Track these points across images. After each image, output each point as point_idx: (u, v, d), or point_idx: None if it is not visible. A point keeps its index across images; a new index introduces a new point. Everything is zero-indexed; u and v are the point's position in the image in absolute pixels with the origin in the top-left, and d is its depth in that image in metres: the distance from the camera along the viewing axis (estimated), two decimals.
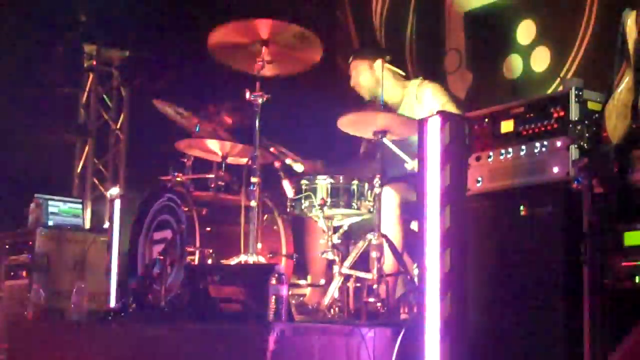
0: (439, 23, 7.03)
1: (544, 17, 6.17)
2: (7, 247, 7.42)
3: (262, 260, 5.05)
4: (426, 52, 7.09)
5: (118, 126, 9.11)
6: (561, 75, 5.88)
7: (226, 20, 5.19)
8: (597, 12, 5.80)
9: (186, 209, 5.39)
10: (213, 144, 5.60)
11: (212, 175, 5.70)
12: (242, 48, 5.27)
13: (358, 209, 5.15)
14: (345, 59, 7.72)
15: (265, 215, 5.43)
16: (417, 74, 6.16)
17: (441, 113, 4.11)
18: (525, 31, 6.25)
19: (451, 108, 5.44)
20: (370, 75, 5.73)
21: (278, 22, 5.12)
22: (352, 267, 5.02)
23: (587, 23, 5.85)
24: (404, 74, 5.87)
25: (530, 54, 6.20)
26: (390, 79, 5.78)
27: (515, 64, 6.30)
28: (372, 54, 5.84)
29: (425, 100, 5.63)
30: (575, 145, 3.79)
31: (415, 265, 5.06)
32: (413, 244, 5.15)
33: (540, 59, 6.13)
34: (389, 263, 5.07)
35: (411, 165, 5.35)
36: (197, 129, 5.77)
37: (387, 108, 5.53)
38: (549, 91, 5.82)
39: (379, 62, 5.63)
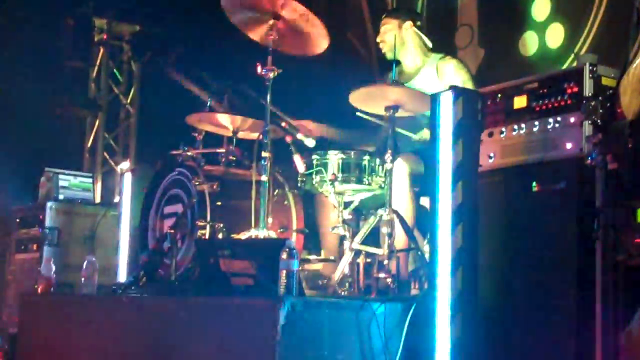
0: None
1: None
2: (17, 220, 7.43)
3: (272, 235, 5.04)
4: (438, 27, 7.04)
5: (128, 101, 9.09)
6: (575, 51, 5.85)
7: None
8: None
9: (197, 183, 5.37)
10: (224, 118, 5.58)
11: (223, 150, 5.68)
12: (255, 18, 5.25)
13: (369, 184, 5.13)
14: (356, 34, 7.73)
15: (276, 190, 5.42)
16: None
17: (454, 88, 4.08)
18: (540, 8, 6.21)
19: (471, 86, 5.43)
20: (396, 35, 5.69)
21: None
22: (363, 242, 5.00)
23: None
24: (430, 45, 5.84)
25: (544, 30, 6.17)
26: (414, 44, 5.78)
27: (530, 41, 6.27)
28: (403, 15, 5.86)
29: (446, 76, 5.60)
30: (589, 121, 3.76)
31: (426, 240, 5.05)
32: (423, 219, 5.15)
33: (555, 36, 6.09)
34: (399, 239, 5.05)
35: (418, 136, 5.33)
36: (209, 104, 5.76)
37: (399, 82, 5.51)
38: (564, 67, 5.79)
39: (408, 23, 5.68)
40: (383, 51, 5.87)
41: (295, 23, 5.25)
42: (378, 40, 5.90)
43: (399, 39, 5.67)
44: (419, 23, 5.79)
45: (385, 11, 6.23)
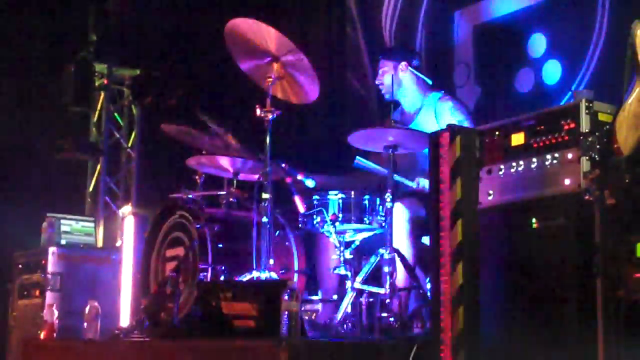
0: (448, 36, 7.03)
1: (554, 30, 6.16)
2: (20, 266, 7.43)
3: (274, 276, 5.04)
4: (436, 65, 7.09)
5: (129, 144, 9.12)
6: (572, 87, 5.88)
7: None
8: (608, 24, 5.80)
9: (198, 225, 5.38)
10: (224, 161, 5.61)
11: (223, 192, 5.70)
12: (255, 53, 5.31)
13: (370, 223, 5.15)
14: (355, 74, 7.77)
15: (277, 231, 5.43)
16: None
17: (451, 127, 4.11)
18: (536, 44, 6.25)
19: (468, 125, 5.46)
20: (392, 77, 5.72)
21: (283, 38, 5.17)
22: (365, 282, 5.01)
23: (598, 35, 5.85)
24: (430, 82, 5.87)
25: (541, 67, 6.20)
26: (412, 85, 5.81)
27: (526, 78, 6.30)
28: (398, 56, 5.88)
29: (444, 117, 5.62)
30: (587, 157, 3.78)
31: (428, 279, 5.06)
32: (425, 258, 5.16)
33: (552, 72, 6.12)
34: (401, 277, 5.07)
35: (421, 183, 5.35)
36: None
37: (398, 123, 5.54)
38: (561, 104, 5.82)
39: (403, 64, 5.72)
40: (382, 92, 5.91)
41: (291, 69, 5.29)
42: (376, 82, 5.94)
43: (396, 80, 5.72)
44: (415, 62, 5.82)
45: (381, 51, 6.25)
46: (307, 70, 5.29)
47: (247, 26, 5.25)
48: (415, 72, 5.81)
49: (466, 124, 5.50)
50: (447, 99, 5.73)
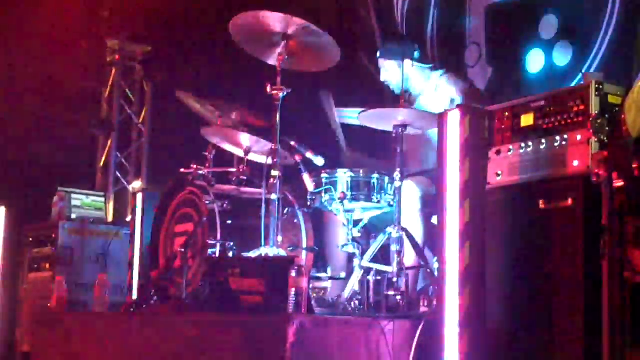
0: (460, 16, 7.02)
1: (566, 12, 6.14)
2: (30, 239, 7.48)
3: (282, 253, 5.07)
4: (447, 45, 7.07)
5: (140, 120, 9.15)
6: (583, 69, 5.87)
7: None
8: (620, 6, 5.77)
9: (207, 202, 5.41)
10: (239, 136, 5.62)
11: (233, 169, 5.72)
12: (264, 38, 5.30)
13: (378, 202, 5.16)
14: (367, 53, 7.76)
15: (286, 209, 5.44)
16: (437, 67, 6.13)
17: (460, 106, 4.11)
18: (547, 25, 6.23)
19: (460, 100, 5.46)
20: (398, 74, 5.72)
21: (298, 20, 5.16)
22: (373, 260, 5.03)
23: (610, 17, 5.82)
24: (429, 66, 5.87)
25: (552, 48, 6.19)
26: (416, 75, 5.80)
27: (537, 59, 6.29)
28: (397, 55, 5.84)
29: (440, 90, 5.64)
30: (596, 139, 3.79)
31: (435, 258, 5.08)
32: (434, 238, 5.17)
33: (563, 53, 6.11)
34: (409, 256, 5.08)
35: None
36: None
37: (408, 101, 5.56)
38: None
39: (406, 62, 5.70)
40: (391, 88, 5.89)
41: (305, 39, 5.28)
42: (382, 80, 5.90)
43: (401, 76, 5.71)
44: (416, 56, 5.72)
45: (379, 50, 6.15)
46: (321, 36, 5.26)
47: (250, 20, 5.23)
48: (417, 64, 5.76)
49: (458, 100, 5.49)
50: (444, 76, 5.72)
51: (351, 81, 7.73)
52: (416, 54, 5.73)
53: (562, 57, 6.12)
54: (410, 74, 5.71)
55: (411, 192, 5.25)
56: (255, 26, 5.24)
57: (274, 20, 5.19)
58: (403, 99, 5.21)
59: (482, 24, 6.83)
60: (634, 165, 3.53)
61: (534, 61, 6.29)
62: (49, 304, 6.17)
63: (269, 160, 5.20)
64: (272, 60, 5.33)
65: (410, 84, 5.80)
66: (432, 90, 5.74)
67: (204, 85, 7.96)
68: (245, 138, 5.62)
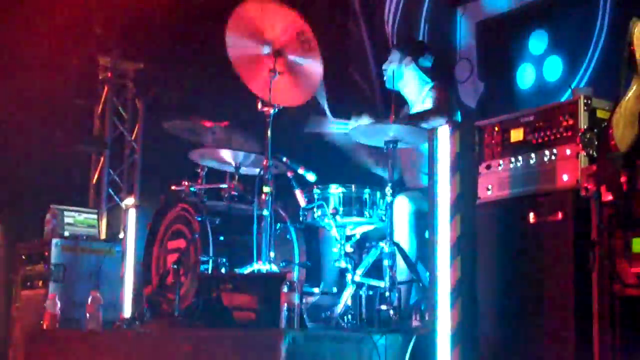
0: (450, 32, 7.05)
1: (555, 27, 6.19)
2: (23, 257, 7.47)
3: (274, 269, 5.08)
4: (437, 61, 7.10)
5: (133, 137, 9.16)
6: (573, 84, 5.90)
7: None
8: (609, 22, 5.82)
9: (200, 218, 5.43)
10: (226, 154, 5.64)
11: (225, 185, 5.74)
12: (255, 59, 5.34)
13: (370, 217, 5.18)
14: (358, 68, 7.79)
15: (278, 225, 5.46)
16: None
17: (451, 122, 4.14)
18: (537, 41, 6.28)
19: (431, 115, 5.47)
20: (395, 67, 5.78)
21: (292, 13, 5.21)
22: (365, 275, 5.05)
23: (599, 32, 5.87)
24: (431, 83, 5.89)
25: (542, 63, 6.23)
26: (412, 80, 5.83)
27: (527, 74, 6.33)
28: (408, 49, 5.89)
29: (428, 102, 5.68)
30: (585, 153, 3.82)
31: (428, 273, 5.09)
32: (426, 252, 5.19)
33: (553, 69, 6.15)
34: (401, 271, 5.10)
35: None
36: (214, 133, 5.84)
37: (403, 114, 5.61)
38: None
39: (408, 59, 5.75)
40: (384, 78, 5.94)
41: (294, 61, 5.32)
42: (383, 67, 5.95)
43: (398, 72, 5.75)
44: (422, 61, 5.80)
45: (392, 44, 6.26)
46: (311, 47, 5.30)
47: (252, 14, 5.28)
48: (418, 70, 5.81)
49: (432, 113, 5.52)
50: (431, 89, 5.75)
51: (342, 96, 7.76)
52: (423, 60, 5.78)
53: (552, 72, 6.16)
54: (407, 78, 5.76)
55: (403, 207, 5.27)
56: (255, 22, 5.27)
57: (276, 16, 5.22)
58: (394, 114, 5.24)
59: (473, 40, 6.88)
60: (622, 180, 3.56)
61: (525, 76, 6.33)
62: (41, 322, 6.16)
63: (261, 173, 5.22)
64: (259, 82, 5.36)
65: (403, 89, 5.83)
66: (421, 102, 5.77)
67: (196, 102, 7.98)
68: (235, 155, 5.64)
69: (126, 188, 9.06)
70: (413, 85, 5.84)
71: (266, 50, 5.33)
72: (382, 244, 4.98)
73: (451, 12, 7.05)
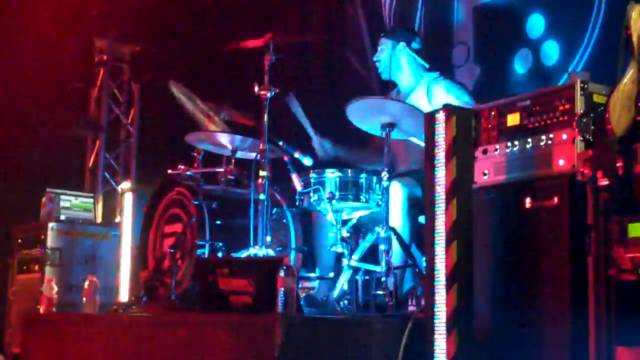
0: (447, 16, 7.04)
1: (553, 11, 6.18)
2: (19, 241, 7.48)
3: (271, 253, 5.08)
4: (434, 45, 7.10)
5: (129, 121, 9.16)
6: (570, 68, 5.89)
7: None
8: (606, 6, 5.81)
9: (196, 202, 5.42)
10: (223, 138, 5.64)
11: (221, 169, 5.73)
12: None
13: (366, 202, 5.18)
14: (355, 53, 7.78)
15: (275, 209, 5.47)
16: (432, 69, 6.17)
17: (446, 107, 4.13)
18: (534, 25, 6.27)
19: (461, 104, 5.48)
20: (390, 55, 5.77)
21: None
22: (361, 259, 5.05)
23: (597, 16, 5.86)
24: (427, 65, 5.89)
25: (539, 47, 6.22)
26: (408, 66, 5.84)
27: (524, 58, 6.32)
28: (398, 35, 5.90)
29: (438, 98, 5.63)
30: (581, 138, 3.81)
31: (424, 258, 5.10)
32: (421, 237, 5.20)
33: (550, 53, 6.14)
34: (397, 256, 5.11)
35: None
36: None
37: (396, 99, 5.61)
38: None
39: (401, 44, 5.75)
40: (379, 70, 5.94)
41: None
42: (374, 59, 5.97)
43: (393, 59, 5.74)
44: (414, 45, 5.83)
45: (383, 30, 6.28)
46: None
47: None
48: (413, 54, 5.82)
49: (466, 98, 5.52)
50: (441, 79, 5.74)
51: (339, 81, 7.76)
52: (414, 44, 5.78)
53: (549, 56, 6.15)
54: (403, 65, 5.76)
55: (397, 193, 5.27)
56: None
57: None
58: (390, 96, 5.24)
59: (470, 24, 6.86)
60: (618, 164, 3.56)
61: (522, 61, 6.32)
62: (38, 306, 6.16)
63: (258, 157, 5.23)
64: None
65: (399, 77, 5.83)
66: (424, 92, 5.75)
67: (191, 85, 7.97)
68: (231, 139, 5.63)
69: (122, 171, 9.07)
70: (408, 71, 5.84)
71: None
72: (378, 228, 4.99)
73: None
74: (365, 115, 5.17)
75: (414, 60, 5.84)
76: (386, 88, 5.78)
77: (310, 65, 8.02)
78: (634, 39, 3.59)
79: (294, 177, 5.27)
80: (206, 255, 5.26)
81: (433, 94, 5.65)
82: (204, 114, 5.87)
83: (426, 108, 5.39)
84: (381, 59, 5.86)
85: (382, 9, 7.72)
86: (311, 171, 5.26)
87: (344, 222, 5.24)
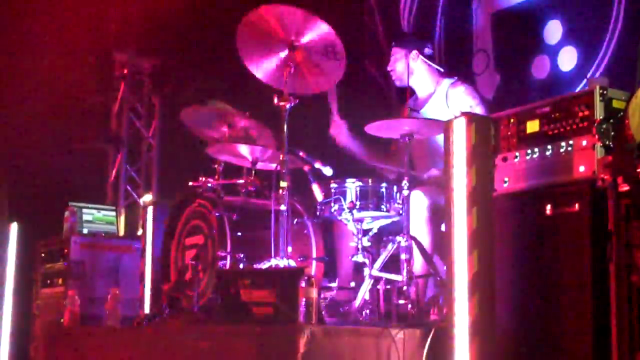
0: (466, 25, 7.04)
1: (571, 17, 6.16)
2: (43, 255, 7.51)
3: (292, 263, 5.09)
4: (454, 53, 7.10)
5: (150, 134, 9.19)
6: (589, 74, 5.88)
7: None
8: (625, 11, 5.79)
9: (217, 214, 5.43)
10: (243, 149, 5.65)
11: (242, 181, 5.75)
12: (271, 53, 5.34)
13: (387, 211, 5.19)
14: (374, 62, 7.79)
15: (295, 219, 5.47)
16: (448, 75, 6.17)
17: (466, 114, 4.13)
18: (552, 31, 6.25)
19: (480, 111, 5.49)
20: (404, 64, 5.79)
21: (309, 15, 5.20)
22: (382, 269, 5.05)
23: (615, 22, 5.84)
24: (441, 70, 5.91)
25: (557, 54, 6.20)
26: (423, 72, 5.86)
27: (543, 65, 6.30)
28: (410, 43, 5.91)
29: (455, 102, 5.65)
30: (601, 144, 3.80)
31: (445, 266, 5.09)
32: (443, 246, 5.19)
33: (568, 59, 6.12)
34: (418, 265, 5.11)
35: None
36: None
37: (413, 112, 5.60)
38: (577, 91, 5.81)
39: (414, 52, 5.77)
40: (393, 79, 5.96)
41: (311, 51, 5.31)
42: (388, 69, 5.98)
43: (407, 68, 5.75)
44: (427, 51, 5.85)
45: (394, 38, 6.29)
46: (330, 48, 5.30)
47: (264, 17, 5.28)
48: (427, 60, 5.84)
49: (478, 109, 5.54)
50: (458, 84, 5.77)
51: (358, 90, 7.75)
52: (427, 50, 5.80)
53: (567, 62, 6.13)
54: (418, 72, 5.77)
55: (419, 201, 5.27)
56: (265, 28, 5.27)
57: (289, 17, 5.23)
58: (407, 108, 5.26)
59: (489, 31, 6.86)
60: (638, 170, 3.55)
61: (540, 67, 6.31)
62: (62, 319, 6.19)
63: (278, 168, 5.23)
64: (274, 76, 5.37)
65: (416, 84, 5.84)
66: (442, 98, 5.76)
67: (212, 97, 7.99)
68: (252, 150, 5.65)
69: (144, 184, 9.11)
70: (424, 78, 5.85)
71: (281, 50, 5.33)
72: (399, 237, 4.99)
73: (467, 4, 7.03)
74: (383, 130, 5.21)
75: (429, 66, 5.86)
76: (403, 95, 5.79)
77: None
78: None
79: (315, 187, 5.28)
80: (228, 267, 5.27)
81: (450, 99, 5.66)
82: (220, 128, 5.87)
83: (444, 113, 5.41)
84: (396, 68, 5.88)
85: (401, 20, 7.72)
86: (332, 181, 5.27)
87: (365, 232, 5.25)
